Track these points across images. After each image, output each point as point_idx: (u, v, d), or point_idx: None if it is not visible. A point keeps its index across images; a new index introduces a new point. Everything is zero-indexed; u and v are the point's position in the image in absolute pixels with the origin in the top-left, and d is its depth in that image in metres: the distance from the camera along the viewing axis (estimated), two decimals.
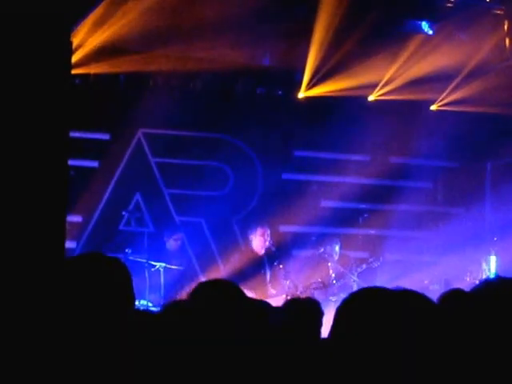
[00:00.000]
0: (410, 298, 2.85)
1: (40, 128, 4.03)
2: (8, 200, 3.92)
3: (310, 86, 11.41)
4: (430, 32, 11.17)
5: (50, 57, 4.12)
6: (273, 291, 9.95)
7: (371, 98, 11.81)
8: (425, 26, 11.20)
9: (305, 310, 4.84)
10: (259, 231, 10.31)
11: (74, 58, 9.01)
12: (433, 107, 12.12)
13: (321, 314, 4.97)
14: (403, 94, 11.54)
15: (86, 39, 9.77)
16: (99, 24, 9.72)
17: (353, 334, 2.36)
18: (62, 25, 4.23)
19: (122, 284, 2.86)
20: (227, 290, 3.21)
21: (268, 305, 4.77)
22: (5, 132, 4.05)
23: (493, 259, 10.91)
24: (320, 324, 4.84)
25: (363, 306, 2.43)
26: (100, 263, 2.87)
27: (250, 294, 8.36)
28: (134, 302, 2.95)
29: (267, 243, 10.24)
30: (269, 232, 10.33)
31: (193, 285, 3.34)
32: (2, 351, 3.07)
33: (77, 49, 9.49)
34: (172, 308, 3.28)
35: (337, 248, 10.82)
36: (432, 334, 2.53)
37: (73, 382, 2.64)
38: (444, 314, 3.70)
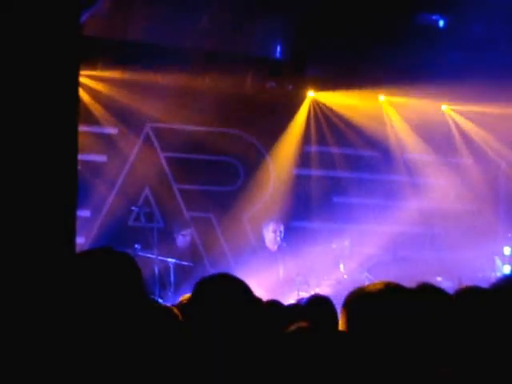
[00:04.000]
0: (428, 292, 2.79)
1: (48, 122, 3.97)
2: (17, 196, 3.87)
3: (320, 86, 11.42)
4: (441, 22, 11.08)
5: (58, 49, 4.04)
6: (286, 288, 9.87)
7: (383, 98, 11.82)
8: (437, 18, 11.10)
9: (324, 307, 4.74)
10: (272, 227, 10.27)
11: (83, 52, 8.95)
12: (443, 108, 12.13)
13: (335, 311, 4.87)
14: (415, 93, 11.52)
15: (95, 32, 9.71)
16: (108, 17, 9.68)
17: (368, 327, 2.31)
18: (70, 16, 4.15)
19: (132, 279, 2.82)
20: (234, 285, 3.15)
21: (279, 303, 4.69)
22: (12, 127, 3.99)
23: (507, 250, 10.87)
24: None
25: (376, 301, 2.40)
26: (110, 258, 2.83)
27: (262, 290, 8.27)
28: (146, 296, 2.94)
29: (280, 239, 10.19)
30: (282, 228, 10.28)
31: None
32: (11, 345, 3.07)
33: (85, 42, 9.40)
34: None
35: (348, 243, 10.75)
36: (448, 328, 2.48)
37: (84, 377, 2.61)
38: (461, 310, 3.63)
